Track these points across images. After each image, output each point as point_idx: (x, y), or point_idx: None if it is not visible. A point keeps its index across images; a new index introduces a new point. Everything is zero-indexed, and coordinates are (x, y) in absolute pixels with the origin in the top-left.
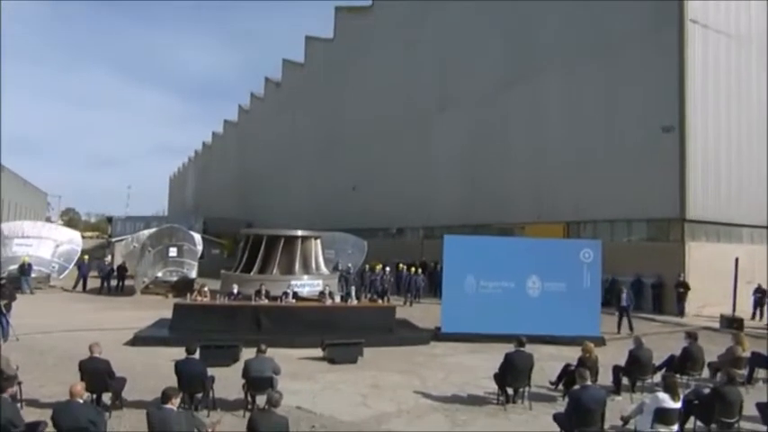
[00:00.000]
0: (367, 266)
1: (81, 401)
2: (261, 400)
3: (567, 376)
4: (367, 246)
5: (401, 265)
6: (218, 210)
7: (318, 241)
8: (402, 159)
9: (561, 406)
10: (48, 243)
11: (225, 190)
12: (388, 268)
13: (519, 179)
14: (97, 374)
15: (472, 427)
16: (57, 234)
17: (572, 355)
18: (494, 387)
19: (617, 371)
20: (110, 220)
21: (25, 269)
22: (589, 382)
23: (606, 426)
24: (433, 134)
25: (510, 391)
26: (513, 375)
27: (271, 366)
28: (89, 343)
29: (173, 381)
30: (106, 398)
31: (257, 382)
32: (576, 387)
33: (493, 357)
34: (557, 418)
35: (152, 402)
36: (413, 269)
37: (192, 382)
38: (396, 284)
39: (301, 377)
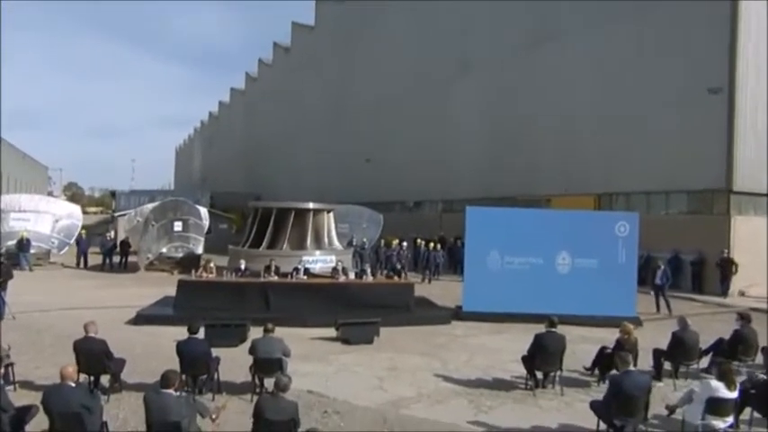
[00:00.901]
0: (382, 241)
1: (73, 385)
2: (269, 383)
3: (603, 360)
4: (383, 220)
5: (419, 241)
6: (225, 183)
7: (331, 215)
8: (419, 128)
9: (596, 392)
10: (46, 218)
11: (232, 162)
12: (405, 243)
13: (545, 148)
14: (93, 355)
15: (499, 413)
16: (55, 208)
17: (606, 336)
18: (521, 370)
19: (658, 355)
20: (113, 194)
21: (24, 245)
22: (632, 367)
23: (649, 415)
24: (453, 101)
25: (539, 375)
26: (543, 358)
27: (280, 347)
28: (90, 320)
29: (175, 362)
30: (105, 380)
31: (265, 363)
32: (617, 372)
33: (519, 338)
34: (594, 405)
35: (153, 386)
36: (431, 244)
37: (195, 364)
38: (413, 260)
39: (313, 359)
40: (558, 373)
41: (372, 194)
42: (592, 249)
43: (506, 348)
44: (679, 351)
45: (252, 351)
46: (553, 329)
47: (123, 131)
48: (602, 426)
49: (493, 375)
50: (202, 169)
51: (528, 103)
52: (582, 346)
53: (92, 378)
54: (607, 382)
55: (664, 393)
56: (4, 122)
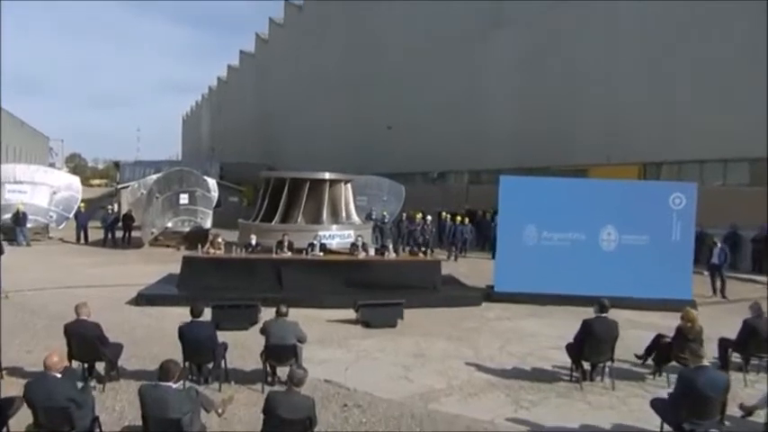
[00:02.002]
0: (404, 215)
1: (58, 376)
2: (282, 372)
3: (661, 350)
4: (404, 192)
5: (444, 214)
6: (236, 153)
7: (349, 186)
8: (444, 93)
9: (652, 387)
10: (43, 189)
11: (243, 131)
12: (429, 217)
13: (585, 113)
14: (85, 340)
15: (541, 409)
16: (53, 179)
17: (656, 321)
18: (563, 359)
19: (725, 345)
20: (117, 165)
21: (20, 219)
22: (706, 362)
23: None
24: (482, 62)
25: (586, 365)
26: (592, 347)
27: (294, 332)
28: (81, 301)
29: (179, 346)
30: (101, 368)
31: (278, 350)
32: (685, 366)
33: (558, 323)
34: (656, 404)
35: (154, 373)
36: (458, 218)
37: (199, 351)
38: (438, 236)
39: (331, 344)
40: (609, 363)
41: (393, 164)
42: (642, 224)
43: (545, 333)
44: (752, 342)
45: (263, 332)
46: (604, 315)
47: (127, 99)
48: (667, 428)
49: (532, 365)
50: (211, 138)
51: (565, 65)
52: (630, 332)
53: (85, 365)
54: (664, 375)
55: (734, 391)
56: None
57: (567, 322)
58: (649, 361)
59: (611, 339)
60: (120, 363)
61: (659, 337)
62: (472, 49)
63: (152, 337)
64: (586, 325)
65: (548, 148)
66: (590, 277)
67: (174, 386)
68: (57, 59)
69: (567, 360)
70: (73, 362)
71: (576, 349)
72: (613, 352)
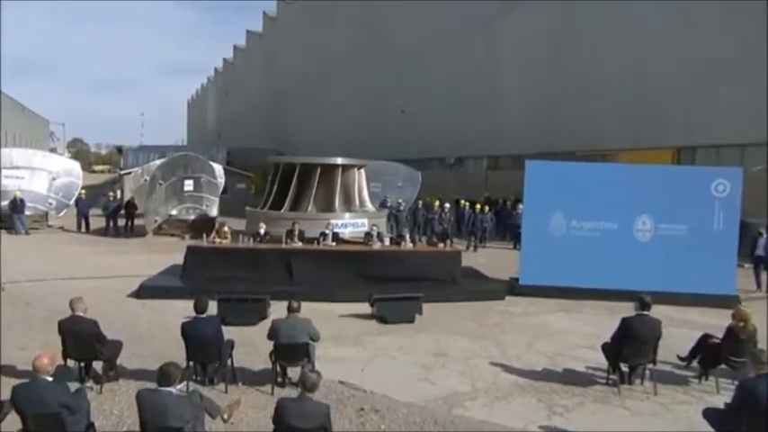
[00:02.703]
0: (420, 203)
1: (48, 379)
2: (294, 372)
3: (706, 351)
4: (421, 178)
5: (463, 202)
6: (243, 138)
7: (363, 171)
8: (461, 74)
9: (698, 391)
10: (42, 175)
11: (251, 115)
12: (447, 205)
13: (611, 94)
14: (81, 338)
15: (577, 416)
16: (52, 164)
17: (696, 319)
18: (597, 359)
19: None
20: (120, 150)
21: (17, 206)
22: None
23: None
24: (500, 42)
25: (624, 367)
26: (632, 348)
27: (306, 330)
28: (76, 296)
29: (183, 344)
30: (98, 367)
31: (289, 350)
32: (749, 375)
33: (589, 319)
34: (710, 415)
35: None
36: (477, 206)
37: (203, 349)
38: (456, 225)
39: (345, 341)
40: (650, 366)
41: (408, 150)
42: (680, 213)
43: (575, 331)
44: None
45: (272, 335)
46: (645, 312)
47: (130, 83)
48: None
49: (563, 365)
50: (218, 123)
51: (588, 42)
52: (669, 330)
53: (81, 365)
54: (711, 379)
55: None
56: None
57: (599, 318)
58: (694, 363)
59: (654, 340)
60: (119, 361)
61: (706, 337)
62: (490, 28)
63: (154, 332)
64: (626, 324)
65: (572, 132)
66: (623, 270)
67: (175, 391)
68: (57, 42)
69: (601, 360)
70: (68, 361)
71: (614, 350)
72: (656, 354)
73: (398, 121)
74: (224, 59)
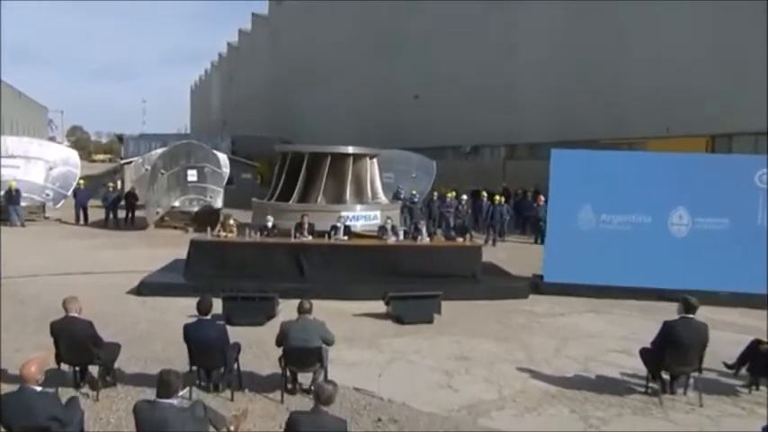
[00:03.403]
0: (435, 194)
1: (37, 389)
2: (305, 378)
3: (756, 358)
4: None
5: (482, 193)
6: (249, 126)
7: (375, 161)
8: (477, 58)
9: (749, 403)
10: (38, 165)
11: (256, 101)
12: (464, 196)
13: (638, 78)
14: (76, 341)
15: (616, 428)
16: (49, 153)
17: (740, 321)
18: (633, 366)
19: None
20: (121, 139)
21: (12, 197)
22: None
23: None
24: (518, 23)
25: (665, 375)
26: (675, 355)
27: (318, 333)
28: (72, 294)
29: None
30: (95, 371)
31: (299, 354)
32: None
33: (622, 321)
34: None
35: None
36: (496, 198)
37: (207, 354)
38: (473, 217)
39: (359, 343)
40: (695, 374)
41: (420, 138)
42: (720, 205)
43: (607, 333)
44: None
45: (282, 339)
46: (690, 315)
47: (131, 70)
48: None
49: (596, 371)
50: (222, 110)
51: (613, 22)
52: (711, 334)
53: (76, 369)
54: (763, 389)
55: None
56: None
57: (631, 320)
58: (743, 371)
59: (700, 346)
60: (117, 365)
61: (757, 343)
62: (507, 7)
63: (155, 333)
64: (669, 328)
65: (595, 119)
66: (656, 267)
67: (176, 403)
68: (57, 29)
69: (638, 366)
70: (62, 366)
71: (656, 356)
72: (701, 361)
73: (411, 108)
74: (228, 44)
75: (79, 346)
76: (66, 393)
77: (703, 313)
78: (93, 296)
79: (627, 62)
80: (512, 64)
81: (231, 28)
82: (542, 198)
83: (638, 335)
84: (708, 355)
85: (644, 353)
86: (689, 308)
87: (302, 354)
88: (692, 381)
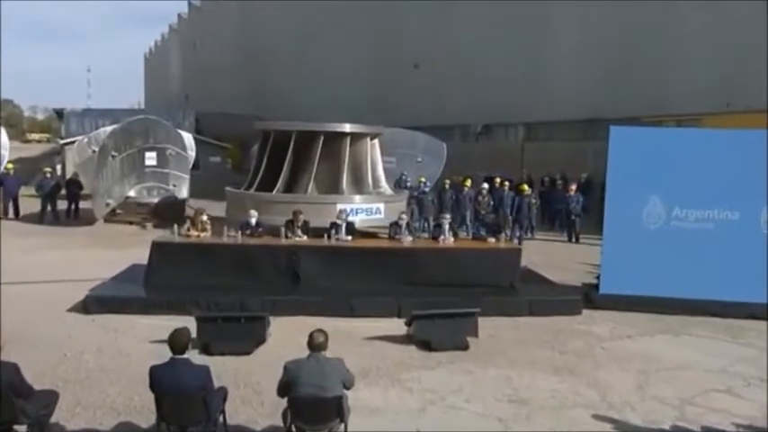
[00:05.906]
0: (447, 182)
1: None
2: None
3: None
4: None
5: (505, 183)
6: (216, 102)
7: (377, 142)
8: (491, 21)
9: None
10: None
11: (226, 72)
12: (486, 185)
13: (688, 45)
14: None
15: None
16: None
17: None
18: (746, 413)
19: None
20: (60, 114)
21: None
22: None
23: None
24: None
25: None
26: None
27: (338, 376)
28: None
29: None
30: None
31: (314, 406)
32: None
33: (708, 345)
34: None
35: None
36: (524, 188)
37: (183, 407)
38: (494, 210)
39: (379, 379)
40: None
41: (422, 116)
42: None
43: (697, 364)
44: None
45: (286, 388)
46: None
47: (73, 31)
48: None
49: (699, 421)
50: (183, 82)
51: None
52: None
53: None
54: None
55: None
56: None
57: (723, 345)
58: None
59: None
60: (54, 417)
61: None
62: None
63: (107, 368)
64: None
65: (635, 93)
66: (745, 276)
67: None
68: None
69: (752, 413)
70: None
71: None
72: None
73: (410, 80)
74: (189, 3)
75: None
76: None
77: None
78: (21, 315)
79: (673, 27)
80: (531, 27)
81: None
82: (573, 187)
83: (737, 367)
84: None
85: None
86: None
87: (317, 405)
88: None
